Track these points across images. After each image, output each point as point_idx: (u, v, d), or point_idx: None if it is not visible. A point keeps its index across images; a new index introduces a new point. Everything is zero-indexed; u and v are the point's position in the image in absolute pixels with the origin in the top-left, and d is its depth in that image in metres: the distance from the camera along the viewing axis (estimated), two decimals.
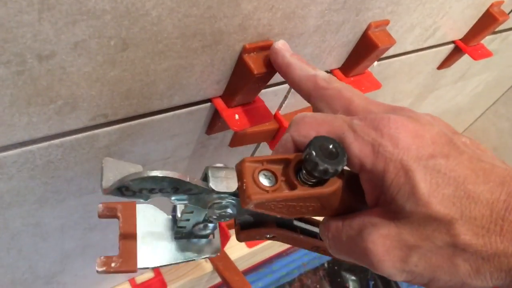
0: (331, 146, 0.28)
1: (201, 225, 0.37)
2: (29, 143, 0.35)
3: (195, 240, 0.38)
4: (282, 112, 0.54)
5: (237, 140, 0.52)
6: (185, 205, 0.35)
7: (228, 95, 0.43)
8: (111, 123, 0.38)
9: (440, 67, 0.72)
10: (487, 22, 0.64)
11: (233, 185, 0.29)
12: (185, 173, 0.28)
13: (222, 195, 0.30)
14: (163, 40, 0.33)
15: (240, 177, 0.29)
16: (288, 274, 1.33)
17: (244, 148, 0.57)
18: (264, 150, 0.60)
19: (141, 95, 0.37)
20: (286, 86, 0.50)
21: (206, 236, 0.38)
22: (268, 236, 0.36)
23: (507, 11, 0.67)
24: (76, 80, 0.32)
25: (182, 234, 0.38)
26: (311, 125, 0.30)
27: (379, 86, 0.54)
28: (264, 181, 0.29)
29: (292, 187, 0.29)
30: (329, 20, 0.44)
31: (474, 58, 0.67)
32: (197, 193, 0.30)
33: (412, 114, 0.29)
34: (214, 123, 0.46)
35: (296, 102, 0.55)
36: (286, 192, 0.29)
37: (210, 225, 0.37)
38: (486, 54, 0.69)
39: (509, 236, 0.25)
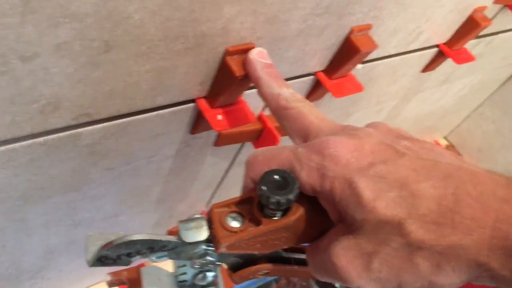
0: (280, 178, 0.29)
1: (200, 276, 0.38)
2: (12, 141, 0.35)
3: None
4: (266, 112, 0.55)
5: (222, 139, 0.53)
6: (177, 260, 0.36)
7: (211, 96, 0.44)
8: (95, 122, 0.39)
9: (424, 70, 0.73)
10: (470, 27, 0.66)
11: (203, 234, 0.31)
12: (156, 233, 0.31)
13: (197, 245, 0.32)
14: (146, 42, 0.34)
15: (210, 224, 0.31)
16: None
17: (229, 147, 0.58)
18: (249, 150, 0.61)
19: (124, 95, 0.37)
20: None
21: (209, 285, 0.40)
22: (261, 273, 0.37)
23: (490, 16, 0.68)
24: (59, 80, 0.32)
25: None
26: (263, 163, 0.31)
27: (361, 89, 0.55)
28: (233, 223, 0.31)
29: (258, 223, 0.30)
30: (312, 24, 0.44)
31: (457, 62, 0.68)
32: (173, 248, 0.31)
33: (353, 131, 0.31)
34: (198, 123, 0.47)
35: None
36: (252, 230, 0.30)
37: (209, 274, 0.39)
38: (469, 58, 0.70)
39: (461, 227, 0.25)
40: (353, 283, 0.28)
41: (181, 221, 0.32)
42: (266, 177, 0.29)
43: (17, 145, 0.36)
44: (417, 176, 0.26)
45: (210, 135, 0.52)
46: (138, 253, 0.30)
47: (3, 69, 0.29)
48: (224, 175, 0.64)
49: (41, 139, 0.37)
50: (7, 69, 0.29)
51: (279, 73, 0.39)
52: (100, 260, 0.30)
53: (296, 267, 0.37)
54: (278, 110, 0.36)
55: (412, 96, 0.82)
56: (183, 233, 0.31)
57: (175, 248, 0.31)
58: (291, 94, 0.36)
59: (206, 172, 0.59)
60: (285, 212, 0.30)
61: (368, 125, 0.32)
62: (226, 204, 0.31)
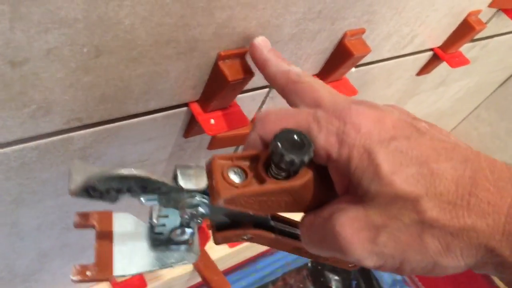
0: (296, 138, 0.28)
1: (178, 231, 0.36)
2: (4, 145, 0.35)
3: (174, 246, 0.38)
4: None
5: (215, 143, 0.53)
6: (159, 209, 0.35)
7: (204, 100, 0.44)
8: (86, 126, 0.39)
9: (419, 73, 0.73)
10: (465, 30, 0.66)
11: (202, 183, 0.29)
12: (153, 172, 0.28)
13: (192, 193, 0.30)
14: (137, 47, 0.34)
15: (210, 174, 0.29)
16: (272, 273, 1.34)
17: (223, 150, 0.58)
18: None
19: (115, 99, 0.38)
20: (264, 91, 0.51)
21: (185, 243, 0.38)
22: (245, 237, 0.36)
23: (484, 20, 0.68)
24: (49, 85, 0.32)
25: (160, 241, 0.37)
26: (276, 121, 0.30)
27: (356, 93, 0.55)
28: (234, 177, 0.29)
29: (262, 181, 0.29)
30: (305, 28, 0.45)
31: (452, 66, 0.68)
32: (166, 191, 0.29)
33: (373, 104, 0.30)
34: (191, 126, 0.47)
35: (274, 106, 0.56)
36: (255, 187, 0.29)
37: (188, 230, 0.37)
38: (464, 61, 0.70)
39: (477, 210, 0.25)
40: (353, 255, 0.28)
41: (179, 166, 0.30)
42: (282, 134, 0.28)
43: (8, 149, 0.36)
44: (437, 155, 0.26)
45: (204, 139, 0.52)
46: (129, 190, 0.28)
47: None
48: None
49: (32, 143, 0.37)
50: None
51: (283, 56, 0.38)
52: (86, 191, 0.28)
53: (280, 237, 0.36)
54: (288, 85, 0.35)
55: (407, 99, 0.82)
56: (181, 178, 0.29)
57: (169, 192, 0.30)
58: (301, 71, 0.36)
59: None
60: (291, 176, 0.29)
61: (385, 105, 0.32)
62: (229, 157, 0.30)
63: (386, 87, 0.71)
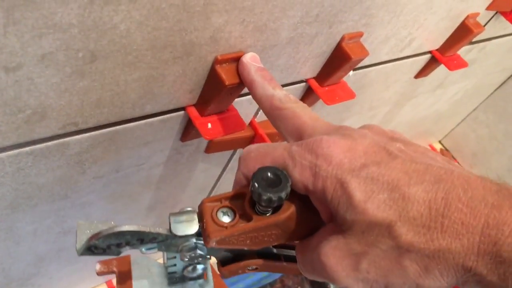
0: (272, 175, 0.29)
1: (190, 268, 0.38)
2: None
3: (190, 282, 0.40)
4: (258, 119, 0.55)
5: (213, 147, 0.53)
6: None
7: (201, 104, 0.44)
8: (82, 131, 0.38)
9: (417, 76, 0.73)
10: (463, 33, 0.66)
11: (193, 227, 0.31)
12: (146, 225, 0.31)
13: (188, 238, 0.32)
14: (133, 52, 0.34)
15: (200, 218, 0.31)
16: (270, 275, 1.34)
17: (220, 154, 0.58)
18: None
19: (112, 104, 0.37)
20: None
21: (199, 277, 0.39)
22: (250, 268, 0.37)
23: (482, 23, 0.68)
24: (44, 90, 0.32)
25: (176, 279, 0.39)
26: (256, 159, 0.31)
27: (353, 96, 0.55)
28: (223, 218, 0.31)
29: (249, 219, 0.30)
30: (302, 32, 0.44)
31: (450, 69, 0.68)
32: (163, 240, 0.31)
33: (347, 131, 0.31)
34: (188, 130, 0.47)
35: None
36: (243, 225, 0.30)
37: (199, 266, 0.38)
38: (462, 64, 0.70)
39: (451, 232, 0.25)
40: (341, 283, 0.29)
41: (172, 214, 0.32)
42: (258, 173, 0.29)
43: (3, 154, 0.35)
44: (409, 179, 0.27)
45: (201, 142, 0.52)
46: (128, 244, 0.30)
47: None
48: (216, 181, 0.64)
49: (27, 148, 0.36)
50: None
51: (272, 76, 0.39)
52: (90, 250, 0.30)
53: (285, 263, 0.37)
54: (272, 111, 0.36)
55: (405, 102, 0.82)
56: (174, 226, 0.31)
57: (165, 240, 0.31)
58: (285, 95, 0.37)
59: (198, 178, 0.59)
60: (277, 209, 0.30)
61: (362, 127, 0.32)
62: (218, 199, 0.31)
63: (384, 89, 0.71)
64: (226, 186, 0.67)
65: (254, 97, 0.38)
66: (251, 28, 0.40)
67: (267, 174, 0.29)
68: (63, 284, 0.62)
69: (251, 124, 0.55)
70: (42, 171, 0.40)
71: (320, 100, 0.59)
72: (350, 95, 0.55)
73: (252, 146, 0.33)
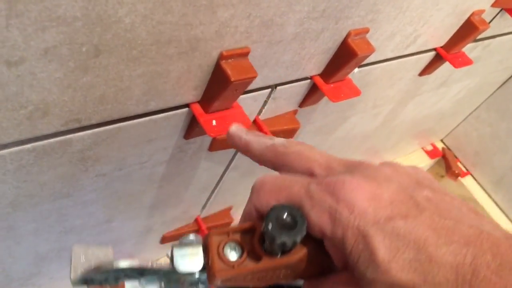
0: (289, 216, 0.27)
1: None
2: (0, 148, 0.34)
3: None
4: (262, 117, 0.54)
5: (217, 144, 0.52)
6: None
7: (206, 101, 0.43)
8: (85, 128, 0.38)
9: (422, 73, 0.73)
10: (468, 30, 0.65)
11: (198, 264, 0.29)
12: (146, 260, 0.29)
13: (191, 274, 0.30)
14: (137, 46, 0.33)
15: (206, 252, 0.29)
16: None
17: (224, 152, 0.57)
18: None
19: (115, 100, 0.36)
20: (266, 91, 0.50)
21: None
22: None
23: (487, 20, 0.67)
24: (47, 86, 0.31)
25: None
26: (271, 193, 0.29)
27: (359, 93, 0.55)
28: (230, 254, 0.29)
29: (258, 259, 0.28)
30: (308, 28, 0.44)
31: (455, 66, 0.68)
32: (164, 274, 0.30)
33: (370, 171, 0.28)
34: (192, 128, 0.46)
35: (277, 107, 0.55)
36: (251, 266, 0.28)
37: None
38: (467, 62, 0.69)
39: None
40: None
41: (176, 246, 0.29)
42: (273, 213, 0.27)
43: (4, 151, 0.35)
44: (437, 238, 0.25)
45: (205, 140, 0.51)
46: (127, 276, 0.29)
47: None
48: (219, 180, 0.63)
49: (29, 145, 0.36)
50: None
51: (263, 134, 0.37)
52: (85, 281, 0.29)
53: None
54: (278, 159, 0.33)
55: (409, 100, 0.82)
56: (177, 260, 0.29)
57: (167, 275, 0.30)
58: (286, 140, 0.34)
59: (201, 177, 0.59)
60: (286, 250, 0.28)
61: (384, 165, 0.30)
62: (226, 232, 0.29)
63: (388, 87, 0.70)
64: (229, 185, 0.66)
65: (254, 156, 0.35)
66: (257, 23, 0.39)
67: (283, 215, 0.27)
68: (64, 284, 0.62)
69: (255, 122, 0.54)
70: (44, 169, 0.39)
71: (325, 98, 0.59)
72: (355, 92, 0.54)
73: (267, 177, 0.30)
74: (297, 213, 0.27)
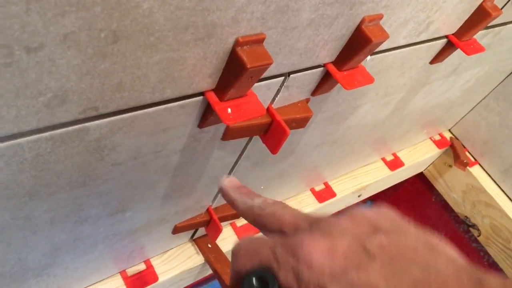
0: (261, 281, 0.30)
1: None
2: (18, 136, 0.34)
3: None
4: (275, 105, 0.54)
5: (230, 133, 0.52)
6: None
7: (221, 89, 0.43)
8: (102, 116, 0.38)
9: (433, 61, 0.72)
10: (480, 17, 0.64)
11: None
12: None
13: None
14: (155, 32, 0.33)
15: None
16: None
17: (237, 141, 0.57)
18: (257, 143, 0.60)
19: (132, 88, 0.36)
20: (279, 79, 0.50)
21: None
22: None
23: (500, 6, 0.67)
24: (65, 72, 0.31)
25: None
26: (246, 258, 0.32)
27: (372, 81, 0.54)
28: None
29: None
30: (323, 13, 0.43)
31: (467, 53, 0.67)
32: None
33: (327, 227, 0.31)
34: (207, 116, 0.46)
35: (290, 95, 0.54)
36: None
37: None
38: (479, 49, 0.69)
39: None
40: None
41: None
42: (246, 282, 0.30)
43: (22, 140, 0.34)
44: (387, 285, 0.27)
45: (218, 129, 0.51)
46: None
47: (7, 60, 0.28)
48: (231, 170, 0.63)
49: (47, 133, 0.35)
50: (12, 60, 0.28)
51: (250, 190, 0.40)
52: None
53: None
54: (255, 219, 0.37)
55: (419, 88, 0.81)
56: None
57: None
58: (263, 201, 0.37)
59: (213, 166, 0.58)
60: None
61: (343, 217, 0.32)
62: None
63: (399, 76, 0.70)
64: (240, 175, 0.66)
65: (240, 214, 0.39)
66: (273, 8, 0.38)
67: (253, 282, 0.30)
68: (78, 274, 0.62)
69: (268, 110, 0.54)
70: (61, 158, 0.39)
71: (337, 86, 0.58)
72: (369, 79, 0.54)
73: (242, 242, 0.33)
74: (269, 277, 0.30)
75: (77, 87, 0.33)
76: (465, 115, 1.23)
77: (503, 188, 1.20)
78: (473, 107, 1.21)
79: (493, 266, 1.28)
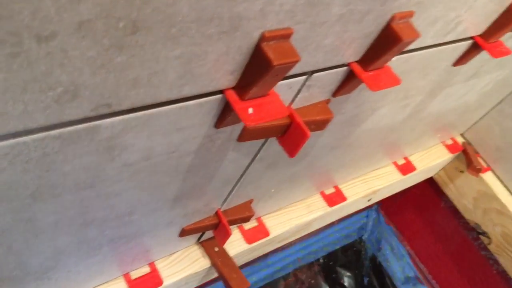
0: None
1: None
2: (24, 133, 0.31)
3: None
4: (294, 106, 0.51)
5: (247, 134, 0.49)
6: None
7: (242, 87, 0.40)
8: (115, 114, 0.35)
9: (456, 63, 0.69)
10: (509, 18, 0.61)
11: None
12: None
13: None
14: (177, 24, 0.30)
15: None
16: (283, 269, 1.30)
17: (252, 143, 0.54)
18: (272, 145, 0.57)
19: (149, 84, 0.33)
20: (302, 78, 0.47)
21: None
22: None
23: None
24: (78, 65, 0.28)
25: None
26: None
27: (399, 82, 0.51)
28: None
29: None
30: (354, 9, 0.40)
31: (494, 56, 0.64)
32: None
33: None
34: (224, 116, 0.43)
35: (310, 96, 0.51)
36: None
37: None
38: (506, 52, 0.66)
39: None
40: None
41: None
42: None
43: (28, 138, 0.31)
44: None
45: (235, 130, 0.48)
46: None
47: (16, 50, 0.25)
48: (244, 172, 0.60)
49: (55, 131, 0.32)
50: (20, 50, 0.25)
51: None
52: None
53: None
54: None
55: (439, 91, 0.78)
56: None
57: None
58: None
59: (226, 168, 0.55)
60: None
61: None
62: None
63: (422, 77, 0.66)
64: (252, 177, 0.63)
65: None
66: (303, 1, 0.35)
67: None
68: (80, 278, 0.59)
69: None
70: (69, 158, 0.36)
71: (360, 86, 0.55)
72: (395, 81, 0.51)
73: None
74: None
75: (90, 82, 0.30)
76: (479, 120, 1.20)
77: None
78: (487, 112, 1.17)
79: (502, 274, 1.25)
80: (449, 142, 1.21)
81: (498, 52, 0.65)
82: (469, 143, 1.23)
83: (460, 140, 1.23)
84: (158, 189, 0.50)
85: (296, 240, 1.34)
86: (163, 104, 0.37)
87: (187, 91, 0.37)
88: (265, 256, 1.24)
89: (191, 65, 0.34)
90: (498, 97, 1.10)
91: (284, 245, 1.32)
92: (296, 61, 0.37)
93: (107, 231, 0.51)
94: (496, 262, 1.24)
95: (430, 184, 1.35)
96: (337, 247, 1.40)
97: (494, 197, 1.17)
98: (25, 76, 0.27)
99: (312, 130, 0.54)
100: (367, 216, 1.47)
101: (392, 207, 1.50)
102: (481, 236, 1.24)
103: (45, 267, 0.51)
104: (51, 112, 0.30)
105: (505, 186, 1.18)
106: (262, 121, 0.40)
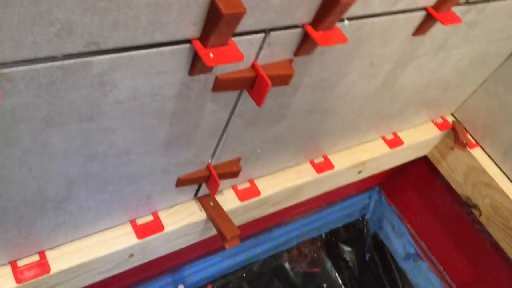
0: None
1: None
2: (34, 61, 0.43)
3: None
4: (259, 62, 0.62)
5: (219, 85, 0.60)
6: None
7: (204, 37, 0.51)
8: (103, 52, 0.46)
9: (415, 33, 0.78)
10: None
11: None
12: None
13: None
14: None
15: None
16: (287, 242, 1.40)
17: (228, 96, 0.65)
18: (246, 100, 0.67)
19: (126, 27, 0.45)
20: (261, 36, 0.58)
21: None
22: None
23: None
24: (70, 6, 0.40)
25: None
26: None
27: (346, 40, 0.61)
28: None
29: None
30: None
31: (443, 23, 0.73)
32: None
33: None
34: (195, 63, 0.54)
35: (273, 54, 0.62)
36: None
37: None
38: (455, 20, 0.75)
39: None
40: None
41: None
42: None
43: (38, 66, 0.43)
44: None
45: (209, 80, 0.59)
46: None
47: None
48: (225, 126, 0.71)
49: (58, 63, 0.44)
50: None
51: None
52: None
53: None
54: None
55: (407, 62, 0.87)
56: None
57: None
58: None
59: (208, 119, 0.66)
60: None
61: None
62: None
63: (382, 45, 0.76)
64: (235, 132, 0.74)
65: None
66: None
67: None
68: (91, 215, 0.71)
69: (253, 66, 0.61)
70: (71, 88, 0.48)
71: (319, 50, 0.66)
72: (342, 38, 0.61)
73: None
74: None
75: (80, 21, 0.41)
76: (467, 99, 1.28)
77: (503, 169, 1.24)
78: (474, 92, 1.25)
79: (495, 246, 1.32)
80: (439, 120, 1.29)
81: (448, 20, 0.74)
82: (459, 122, 1.31)
83: (450, 119, 1.31)
84: (149, 131, 0.61)
85: (299, 216, 1.44)
86: (141, 48, 0.48)
87: (159, 37, 0.48)
88: (270, 229, 1.34)
89: (158, 14, 0.45)
90: (479, 75, 1.18)
91: (288, 220, 1.42)
92: (242, 12, 0.48)
93: (110, 167, 0.63)
94: (489, 234, 1.31)
95: (426, 164, 1.42)
96: (340, 225, 1.49)
97: (482, 171, 1.24)
98: (33, 12, 0.38)
99: (277, 84, 0.65)
100: (369, 197, 1.56)
101: (393, 188, 1.58)
102: (472, 209, 1.31)
103: (60, 196, 0.63)
104: (54, 45, 0.42)
105: (493, 160, 1.25)
106: (220, 63, 0.51)
